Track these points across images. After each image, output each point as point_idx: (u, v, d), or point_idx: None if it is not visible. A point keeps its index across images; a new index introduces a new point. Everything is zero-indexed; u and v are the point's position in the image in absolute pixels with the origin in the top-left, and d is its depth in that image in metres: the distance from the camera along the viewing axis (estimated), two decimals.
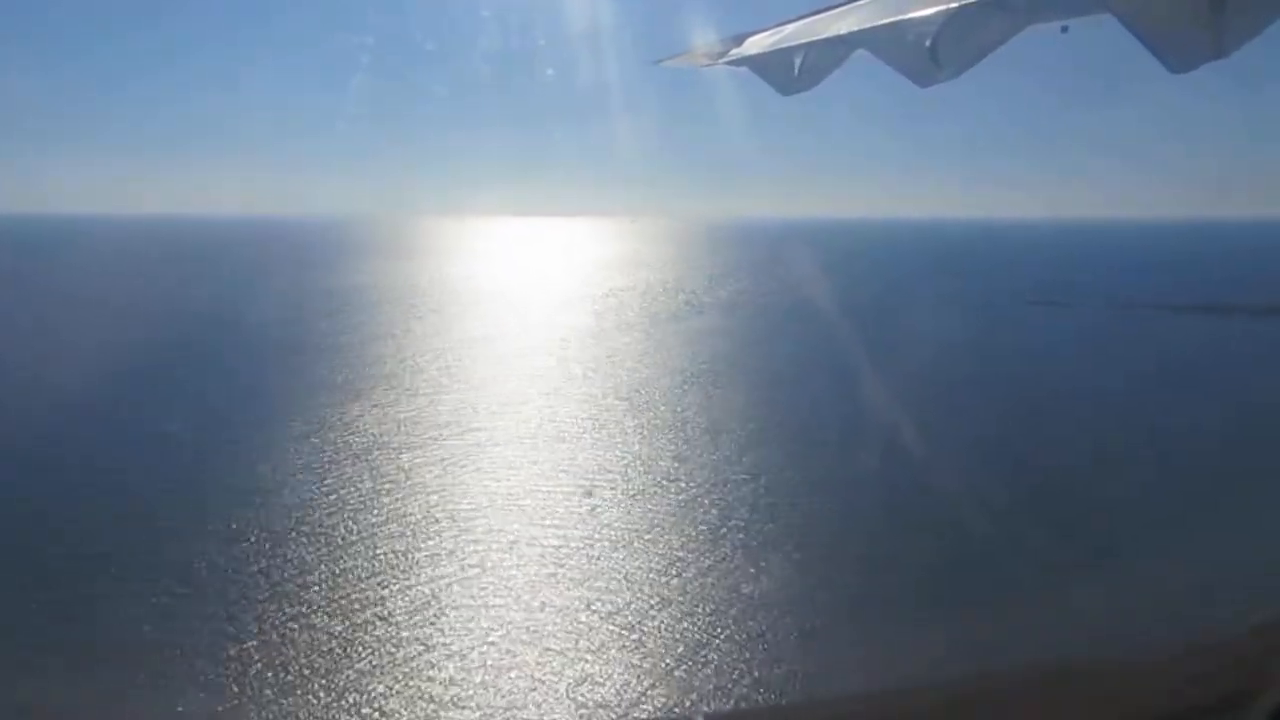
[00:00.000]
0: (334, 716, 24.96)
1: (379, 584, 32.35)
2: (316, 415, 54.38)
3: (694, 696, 26.16)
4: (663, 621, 30.24)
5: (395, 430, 52.24)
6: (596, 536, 36.97)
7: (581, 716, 25.39)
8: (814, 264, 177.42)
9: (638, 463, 46.77)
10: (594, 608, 31.12)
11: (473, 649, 28.31)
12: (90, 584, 31.41)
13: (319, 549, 34.94)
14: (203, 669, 26.43)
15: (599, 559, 34.96)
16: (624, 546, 35.95)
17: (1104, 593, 29.74)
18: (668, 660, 28.13)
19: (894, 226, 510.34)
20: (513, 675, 26.99)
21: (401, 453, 47.80)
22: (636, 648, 28.70)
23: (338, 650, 27.88)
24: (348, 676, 26.63)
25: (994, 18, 5.44)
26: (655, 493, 42.25)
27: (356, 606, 30.65)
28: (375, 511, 38.99)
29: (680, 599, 31.76)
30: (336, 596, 31.33)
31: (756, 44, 7.66)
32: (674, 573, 33.71)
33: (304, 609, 30.35)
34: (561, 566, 34.24)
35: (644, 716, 25.33)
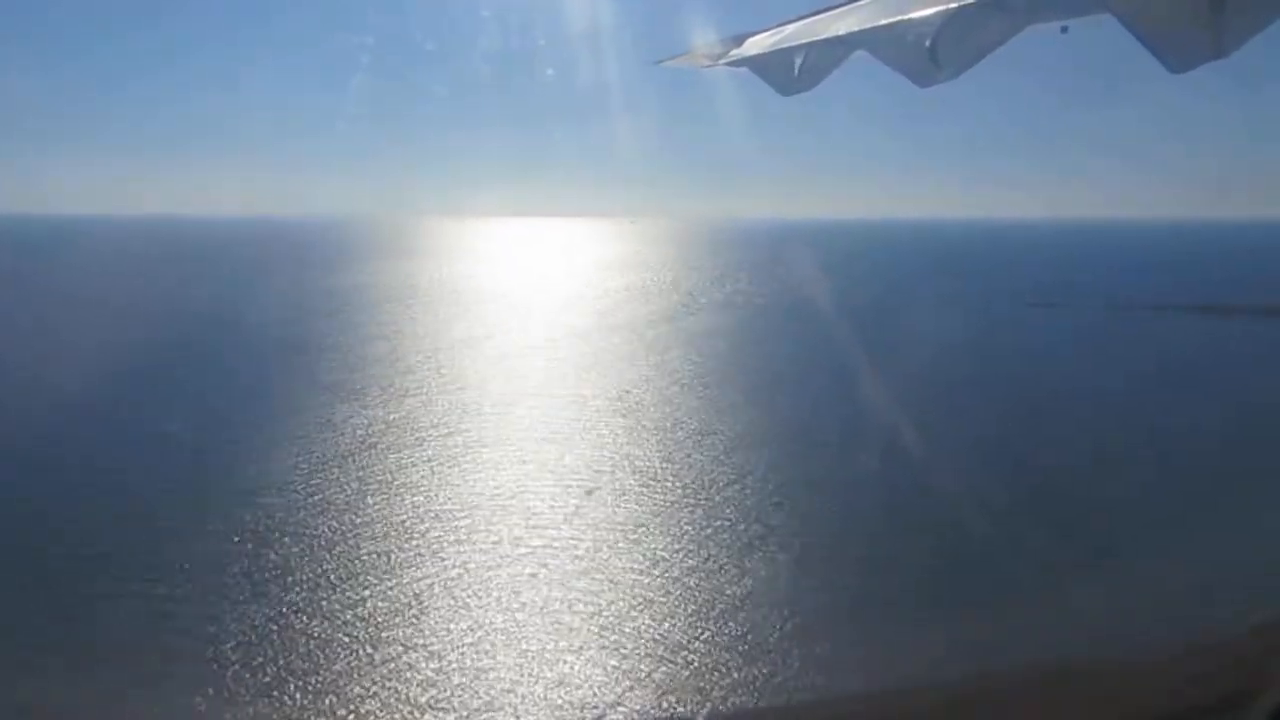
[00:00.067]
0: (342, 717, 24.94)
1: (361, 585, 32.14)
2: (317, 415, 54.31)
3: (672, 699, 26.00)
4: (643, 623, 30.03)
5: (386, 430, 52.17)
6: (581, 536, 36.84)
7: (558, 718, 25.26)
8: (814, 265, 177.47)
9: (625, 463, 46.63)
10: (575, 609, 30.98)
11: (451, 650, 28.17)
12: (90, 584, 31.37)
13: (302, 548, 34.75)
14: (203, 669, 26.37)
15: (582, 558, 34.81)
16: (608, 546, 35.83)
17: (1104, 593, 29.66)
18: (649, 661, 27.94)
19: (894, 227, 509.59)
20: (491, 677, 26.84)
21: (390, 453, 47.60)
22: (616, 649, 28.52)
23: (316, 651, 27.76)
24: (350, 676, 26.61)
25: (994, 18, 5.44)
26: (643, 493, 42.08)
27: (337, 608, 30.41)
28: (360, 512, 38.86)
29: (662, 599, 31.55)
30: (316, 596, 31.31)
31: (756, 44, 7.67)
32: (658, 573, 33.53)
33: (283, 609, 30.18)
34: (544, 566, 34.12)
35: (643, 717, 25.27)
